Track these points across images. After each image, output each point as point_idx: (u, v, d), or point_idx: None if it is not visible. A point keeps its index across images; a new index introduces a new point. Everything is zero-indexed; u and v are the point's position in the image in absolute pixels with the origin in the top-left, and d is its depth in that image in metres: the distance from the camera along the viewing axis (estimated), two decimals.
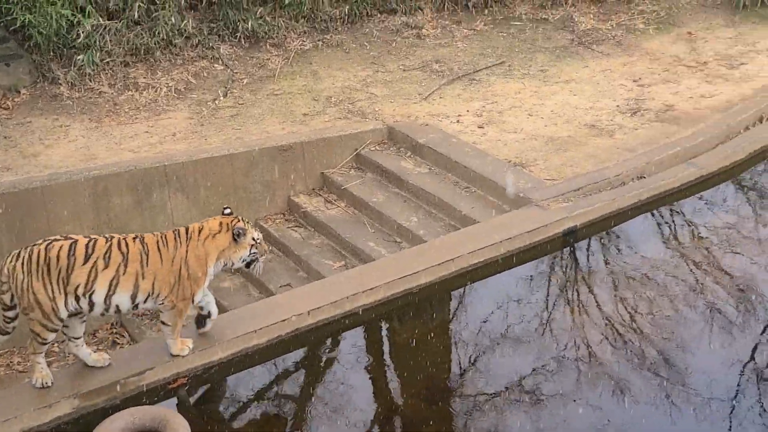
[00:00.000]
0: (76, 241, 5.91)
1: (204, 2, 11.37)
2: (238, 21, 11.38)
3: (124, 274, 5.93)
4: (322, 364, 7.18)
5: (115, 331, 8.79)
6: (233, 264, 6.33)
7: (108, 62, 10.68)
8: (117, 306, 6.01)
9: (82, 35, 10.45)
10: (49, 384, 6.09)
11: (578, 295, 7.77)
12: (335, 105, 10.34)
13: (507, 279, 7.89)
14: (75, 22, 10.43)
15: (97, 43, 10.58)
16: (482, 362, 6.95)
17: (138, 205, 8.70)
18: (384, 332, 7.54)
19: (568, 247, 8.35)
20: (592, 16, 12.45)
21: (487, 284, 7.81)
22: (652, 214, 8.82)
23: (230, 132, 9.72)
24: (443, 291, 7.66)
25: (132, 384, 6.25)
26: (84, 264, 5.84)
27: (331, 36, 11.81)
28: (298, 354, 7.08)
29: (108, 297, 5.94)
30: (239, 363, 6.67)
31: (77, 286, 5.84)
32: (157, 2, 10.90)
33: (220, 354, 6.58)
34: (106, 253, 5.91)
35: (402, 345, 7.36)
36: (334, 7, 11.95)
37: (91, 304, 5.95)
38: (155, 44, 10.89)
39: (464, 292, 7.81)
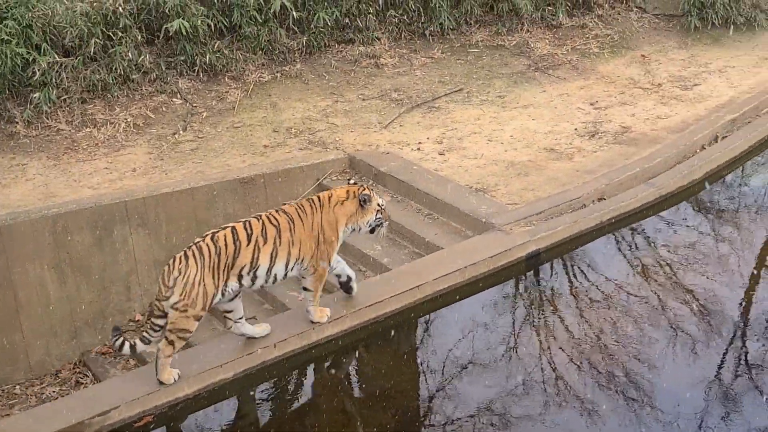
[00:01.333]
0: (234, 227, 6.50)
1: (161, 37, 11.35)
2: (196, 55, 11.36)
3: (280, 245, 6.57)
4: (288, 396, 7.12)
5: (78, 370, 8.66)
6: (360, 228, 6.98)
7: (65, 99, 10.59)
8: (275, 276, 6.63)
9: (38, 73, 10.36)
10: (177, 378, 6.50)
11: (544, 317, 7.80)
12: (296, 136, 10.34)
13: (473, 304, 7.90)
14: (30, 60, 10.35)
15: (54, 80, 10.50)
16: (451, 388, 6.94)
17: (99, 242, 8.61)
18: (352, 361, 7.51)
19: (532, 271, 8.39)
20: (547, 42, 12.60)
21: (453, 310, 7.81)
22: (614, 235, 8.89)
23: (191, 166, 9.67)
24: (410, 318, 7.65)
25: (97, 424, 6.15)
26: (248, 245, 6.44)
27: (289, 67, 11.83)
28: (265, 387, 7.02)
29: (270, 269, 6.58)
30: (206, 399, 6.60)
31: (242, 267, 6.44)
32: (114, 38, 10.86)
33: (186, 390, 6.51)
34: (262, 230, 6.53)
35: (370, 373, 7.33)
36: (292, 39, 11.98)
37: (254, 279, 6.54)
38: (112, 80, 10.83)
39: (431, 318, 7.81)
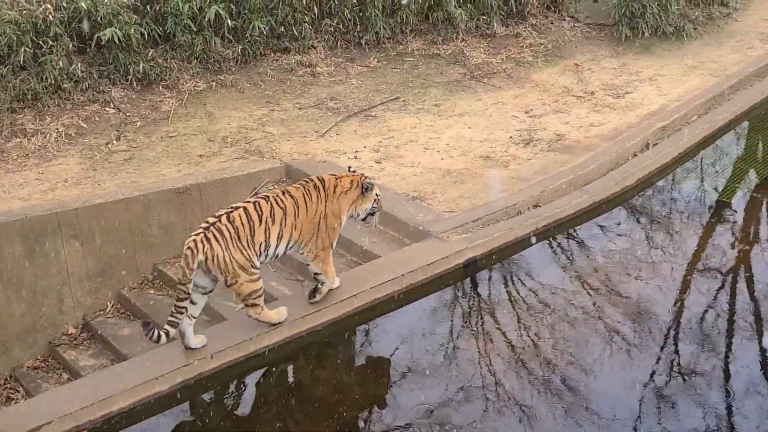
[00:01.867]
0: (245, 207, 6.82)
1: (93, 45, 11.17)
2: (129, 64, 11.21)
3: (285, 226, 6.93)
4: (226, 407, 7.04)
5: (9, 386, 8.44)
6: (358, 215, 7.37)
7: None
8: (277, 254, 7.03)
9: None
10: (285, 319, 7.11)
11: (482, 324, 7.84)
12: (231, 145, 10.26)
13: (411, 312, 7.91)
14: None
15: None
16: (390, 396, 6.94)
17: (30, 254, 8.41)
18: (289, 372, 7.45)
19: (470, 278, 8.43)
20: (482, 51, 12.71)
21: (391, 318, 7.81)
22: (549, 242, 8.99)
23: (125, 176, 9.53)
24: (348, 327, 7.62)
25: None
26: (260, 225, 6.81)
27: (224, 76, 11.75)
28: (202, 398, 6.93)
29: (276, 248, 6.97)
30: (142, 412, 6.50)
31: (260, 244, 6.83)
32: (44, 46, 10.66)
33: (121, 403, 6.40)
34: (271, 211, 6.87)
35: (308, 383, 7.28)
36: (227, 48, 11.90)
37: (264, 257, 6.94)
38: (43, 89, 10.62)
39: (369, 327, 7.80)
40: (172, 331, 6.72)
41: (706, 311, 7.88)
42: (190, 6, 11.39)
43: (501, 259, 8.61)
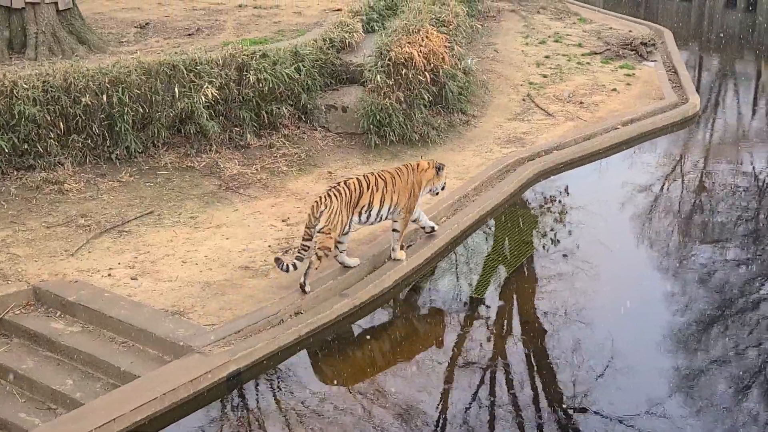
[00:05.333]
0: (358, 178, 9.70)
1: None
2: None
3: (386, 193, 9.78)
4: None
5: None
6: (433, 189, 10.39)
7: None
8: (380, 216, 9.83)
9: None
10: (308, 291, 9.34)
11: None
12: None
13: None
14: None
15: None
16: None
17: None
18: None
19: (235, 391, 8.24)
20: (237, 162, 12.75)
21: None
22: (314, 348, 8.99)
23: None
24: None
25: None
26: (367, 190, 9.63)
27: None
28: None
29: (379, 210, 9.77)
30: None
31: (363, 206, 9.62)
32: None
33: None
34: (375, 182, 9.75)
35: None
36: None
37: (368, 217, 9.75)
38: None
39: None
40: (298, 264, 9.18)
41: (469, 405, 8.13)
42: None
43: (266, 369, 8.51)
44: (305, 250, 9.23)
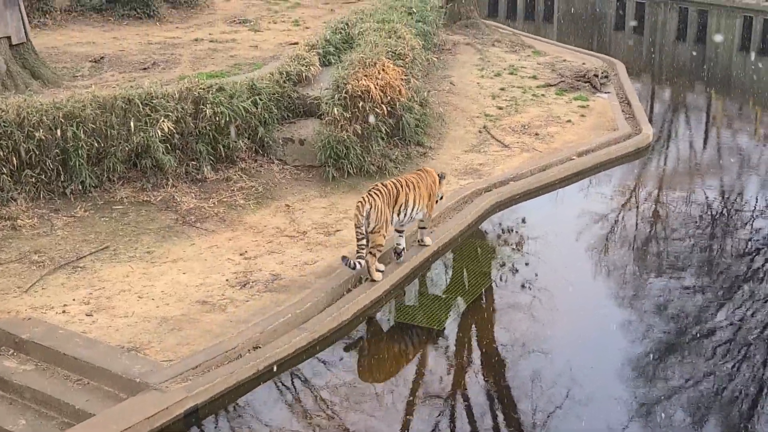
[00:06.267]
0: (393, 181, 10.89)
1: None
2: None
3: (417, 194, 10.98)
4: None
5: None
6: (439, 195, 11.67)
7: None
8: (411, 215, 10.99)
9: None
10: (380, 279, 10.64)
11: None
12: None
13: None
14: None
15: None
16: None
17: None
18: None
19: (194, 427, 8.14)
20: (193, 195, 12.66)
21: None
22: (273, 382, 8.92)
23: None
24: None
25: None
26: (402, 190, 10.76)
27: None
28: None
29: (412, 209, 10.94)
30: None
31: (401, 205, 10.72)
32: None
33: None
34: (406, 183, 10.91)
35: None
36: None
37: (404, 215, 10.86)
38: None
39: None
40: (362, 262, 10.30)
41: None
42: None
43: (224, 404, 8.42)
44: (362, 249, 10.32)
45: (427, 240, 11.78)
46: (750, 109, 21.93)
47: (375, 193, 10.34)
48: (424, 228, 11.65)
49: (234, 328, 9.23)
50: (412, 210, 10.90)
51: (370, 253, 10.37)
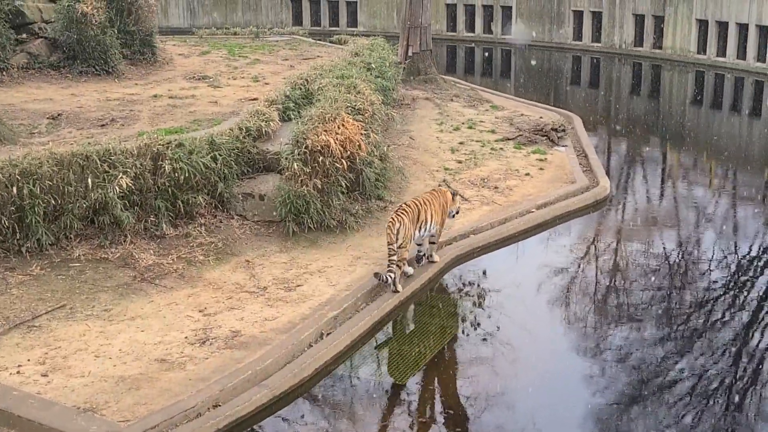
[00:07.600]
0: (414, 200, 12.27)
1: None
2: None
3: (434, 211, 12.33)
4: None
5: None
6: (452, 212, 13.05)
7: None
8: (428, 230, 12.34)
9: None
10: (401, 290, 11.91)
11: None
12: None
13: None
14: None
15: None
16: None
17: None
18: None
19: None
20: (152, 252, 12.53)
21: None
22: None
23: None
24: None
25: None
26: (422, 208, 12.12)
27: None
28: None
29: (430, 225, 12.29)
30: None
31: (422, 222, 12.07)
32: None
33: None
34: (425, 202, 12.25)
35: None
36: None
37: (424, 231, 12.26)
38: None
39: None
40: (392, 276, 11.57)
41: None
42: None
43: None
44: (392, 264, 11.60)
45: (435, 257, 12.91)
46: (704, 162, 22.32)
47: (402, 213, 11.71)
48: (434, 243, 12.82)
49: (193, 387, 9.09)
50: (430, 225, 12.28)
51: (396, 265, 11.64)
